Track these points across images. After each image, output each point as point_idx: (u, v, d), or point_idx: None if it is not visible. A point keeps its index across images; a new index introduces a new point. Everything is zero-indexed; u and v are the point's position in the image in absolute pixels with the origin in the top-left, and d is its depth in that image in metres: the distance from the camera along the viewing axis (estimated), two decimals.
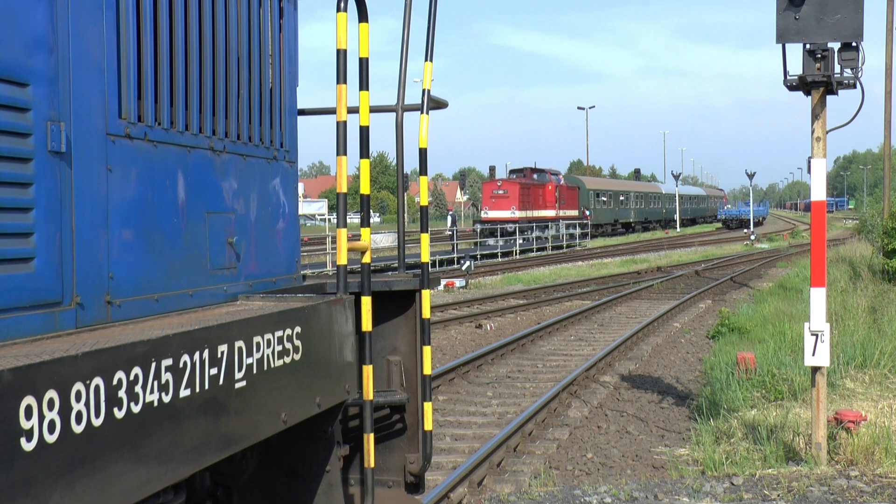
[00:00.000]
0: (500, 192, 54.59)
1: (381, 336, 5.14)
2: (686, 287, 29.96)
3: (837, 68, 8.55)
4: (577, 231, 57.40)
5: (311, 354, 4.12)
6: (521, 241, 48.97)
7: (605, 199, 70.98)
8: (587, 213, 62.56)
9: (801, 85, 8.71)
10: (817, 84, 8.64)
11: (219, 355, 3.40)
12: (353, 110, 4.55)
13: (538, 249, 50.74)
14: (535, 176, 58.55)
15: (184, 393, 3.18)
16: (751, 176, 70.23)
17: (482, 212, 55.14)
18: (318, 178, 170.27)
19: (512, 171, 61.10)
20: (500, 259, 44.46)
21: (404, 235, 5.62)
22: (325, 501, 4.60)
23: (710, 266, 38.36)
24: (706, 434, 10.09)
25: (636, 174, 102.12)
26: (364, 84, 4.50)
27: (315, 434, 4.54)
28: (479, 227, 53.57)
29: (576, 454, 10.17)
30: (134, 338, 3.05)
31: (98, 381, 2.75)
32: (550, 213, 58.04)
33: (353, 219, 50.04)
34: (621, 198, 75.11)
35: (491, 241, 48.87)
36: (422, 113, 5.14)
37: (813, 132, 8.85)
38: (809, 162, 9.58)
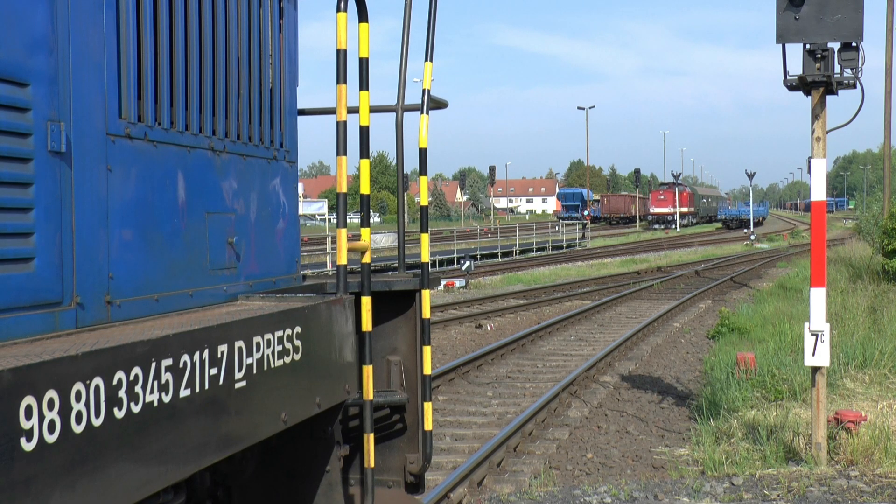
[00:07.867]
0: (662, 197, 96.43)
1: (381, 336, 5.13)
2: (686, 287, 29.97)
3: (837, 68, 8.55)
4: (683, 221, 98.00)
5: (311, 354, 4.11)
6: (673, 226, 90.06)
7: (704, 200, 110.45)
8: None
9: (801, 85, 8.71)
10: (817, 84, 8.65)
11: (219, 355, 3.40)
12: (353, 110, 4.55)
13: (538, 249, 51.27)
14: (676, 187, 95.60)
15: (184, 393, 3.18)
16: (751, 176, 70.34)
17: (651, 208, 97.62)
18: (318, 178, 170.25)
19: (661, 184, 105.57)
20: (499, 259, 44.59)
21: (404, 235, 5.62)
22: (325, 501, 4.60)
23: (710, 266, 38.36)
24: (706, 434, 10.09)
25: (636, 174, 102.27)
26: (364, 84, 4.50)
27: (315, 434, 4.54)
28: (649, 217, 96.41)
29: (576, 454, 10.18)
30: (134, 338, 3.05)
31: (98, 381, 2.75)
32: (685, 209, 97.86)
33: (353, 219, 50.45)
34: (707, 199, 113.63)
35: (656, 226, 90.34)
36: (422, 113, 5.14)
37: (813, 132, 8.85)
38: (809, 162, 9.58)
